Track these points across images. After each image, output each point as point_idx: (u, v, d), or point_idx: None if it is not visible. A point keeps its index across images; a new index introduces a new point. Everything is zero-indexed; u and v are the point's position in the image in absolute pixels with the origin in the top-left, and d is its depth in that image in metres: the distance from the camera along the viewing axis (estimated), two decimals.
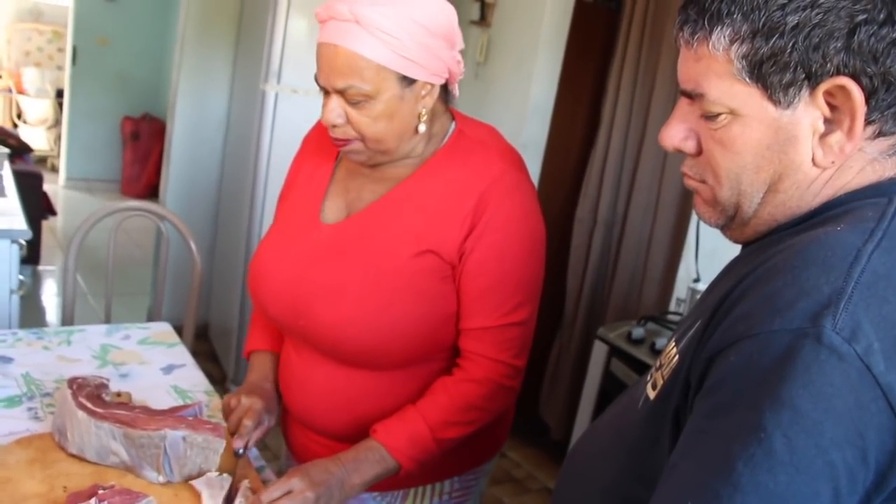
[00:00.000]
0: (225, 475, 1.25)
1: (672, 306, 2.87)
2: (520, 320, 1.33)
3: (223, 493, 1.21)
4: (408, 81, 1.25)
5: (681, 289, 2.85)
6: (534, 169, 3.44)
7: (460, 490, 1.49)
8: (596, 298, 3.32)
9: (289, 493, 1.19)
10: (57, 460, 1.29)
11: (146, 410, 1.34)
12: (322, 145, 1.49)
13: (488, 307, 1.31)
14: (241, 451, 1.32)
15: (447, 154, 1.35)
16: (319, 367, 1.38)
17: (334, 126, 1.28)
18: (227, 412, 1.39)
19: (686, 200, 2.89)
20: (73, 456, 1.30)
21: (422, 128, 1.31)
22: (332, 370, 1.37)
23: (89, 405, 1.29)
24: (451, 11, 1.28)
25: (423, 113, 1.30)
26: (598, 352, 2.59)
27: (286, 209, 1.49)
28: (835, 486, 0.68)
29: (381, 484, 1.36)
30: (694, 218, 2.75)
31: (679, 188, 2.90)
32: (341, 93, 1.25)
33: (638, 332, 2.50)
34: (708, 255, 2.68)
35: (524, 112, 3.34)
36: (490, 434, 1.49)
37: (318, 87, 1.29)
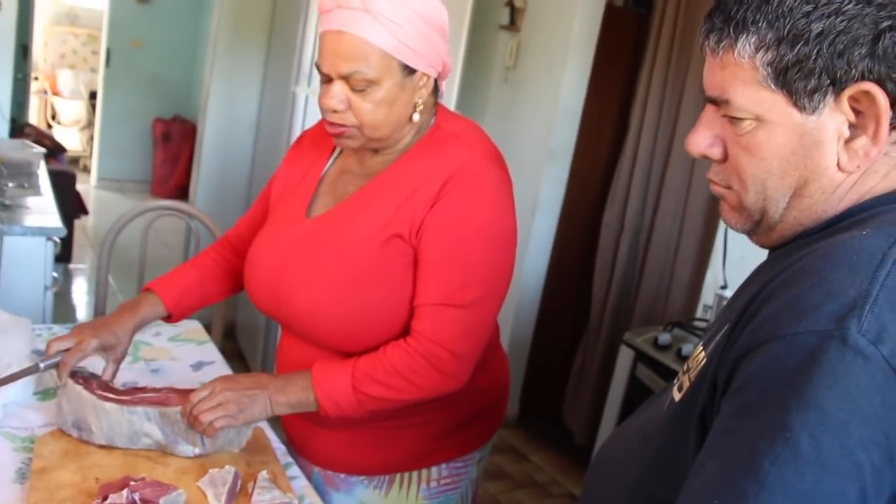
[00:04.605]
0: (227, 467, 1.28)
1: (699, 313, 2.86)
2: (461, 303, 1.30)
3: (226, 487, 1.23)
4: (408, 71, 1.30)
5: (708, 295, 2.84)
6: (562, 173, 3.44)
7: (448, 477, 1.50)
8: (622, 304, 3.31)
9: (210, 396, 1.29)
10: (89, 452, 1.32)
11: (173, 390, 1.39)
12: (319, 144, 1.53)
13: (431, 285, 1.31)
14: (41, 365, 1.40)
15: (422, 146, 1.39)
16: (307, 351, 1.42)
17: (335, 111, 1.31)
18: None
19: (714, 207, 2.88)
20: (102, 447, 1.33)
21: (416, 117, 1.35)
22: (318, 354, 1.40)
23: (112, 395, 1.33)
24: (444, 8, 1.33)
25: (420, 103, 1.35)
26: (624, 357, 2.59)
27: (278, 206, 1.53)
28: (861, 487, 0.68)
29: (368, 469, 1.44)
30: (722, 225, 2.74)
31: (707, 195, 2.90)
32: (345, 79, 1.28)
33: (664, 337, 2.49)
34: (736, 262, 2.66)
35: (553, 117, 3.35)
36: (479, 423, 1.51)
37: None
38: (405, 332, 1.36)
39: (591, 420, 3.27)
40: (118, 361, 1.49)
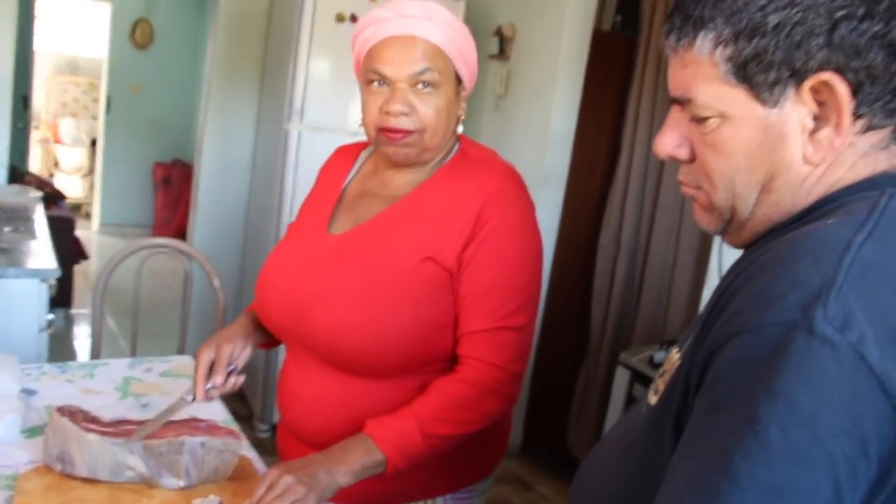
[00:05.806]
0: (212, 497, 1.27)
1: None
2: (516, 325, 1.36)
3: None
4: (458, 80, 1.38)
5: None
6: (556, 198, 3.44)
7: None
8: (621, 326, 3.29)
9: (270, 487, 1.19)
10: (72, 487, 1.30)
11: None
12: (335, 170, 1.55)
13: (485, 310, 1.34)
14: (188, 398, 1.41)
15: (450, 170, 1.42)
16: (316, 375, 1.40)
17: (401, 113, 1.34)
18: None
19: None
20: (87, 482, 1.31)
21: (460, 128, 1.43)
22: (328, 378, 1.39)
23: (96, 427, 1.32)
24: None
25: (462, 116, 1.42)
26: (621, 377, 2.57)
27: (297, 222, 1.55)
28: (835, 479, 0.66)
29: (370, 499, 1.39)
30: (716, 241, 2.73)
31: None
32: (412, 81, 1.33)
33: (660, 355, 2.48)
34: None
35: (545, 142, 3.36)
36: (483, 452, 1.49)
37: (368, 85, 1.37)
38: (426, 355, 1.36)
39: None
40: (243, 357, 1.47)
